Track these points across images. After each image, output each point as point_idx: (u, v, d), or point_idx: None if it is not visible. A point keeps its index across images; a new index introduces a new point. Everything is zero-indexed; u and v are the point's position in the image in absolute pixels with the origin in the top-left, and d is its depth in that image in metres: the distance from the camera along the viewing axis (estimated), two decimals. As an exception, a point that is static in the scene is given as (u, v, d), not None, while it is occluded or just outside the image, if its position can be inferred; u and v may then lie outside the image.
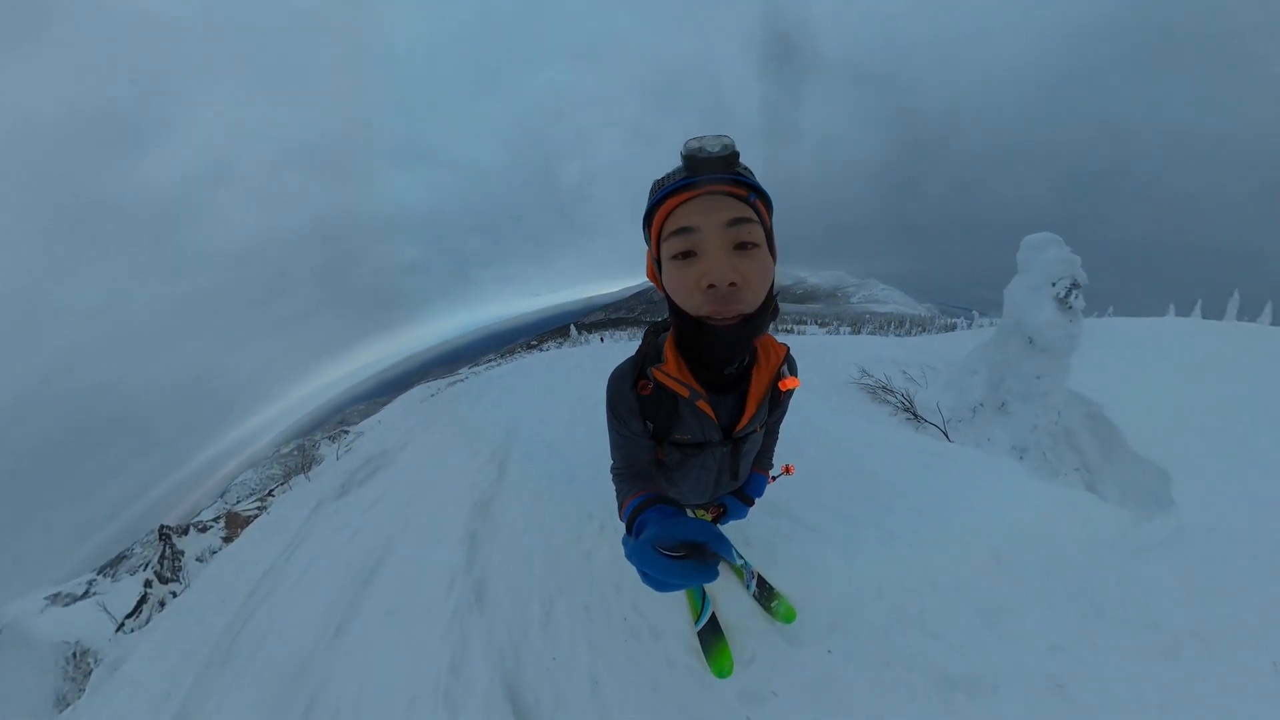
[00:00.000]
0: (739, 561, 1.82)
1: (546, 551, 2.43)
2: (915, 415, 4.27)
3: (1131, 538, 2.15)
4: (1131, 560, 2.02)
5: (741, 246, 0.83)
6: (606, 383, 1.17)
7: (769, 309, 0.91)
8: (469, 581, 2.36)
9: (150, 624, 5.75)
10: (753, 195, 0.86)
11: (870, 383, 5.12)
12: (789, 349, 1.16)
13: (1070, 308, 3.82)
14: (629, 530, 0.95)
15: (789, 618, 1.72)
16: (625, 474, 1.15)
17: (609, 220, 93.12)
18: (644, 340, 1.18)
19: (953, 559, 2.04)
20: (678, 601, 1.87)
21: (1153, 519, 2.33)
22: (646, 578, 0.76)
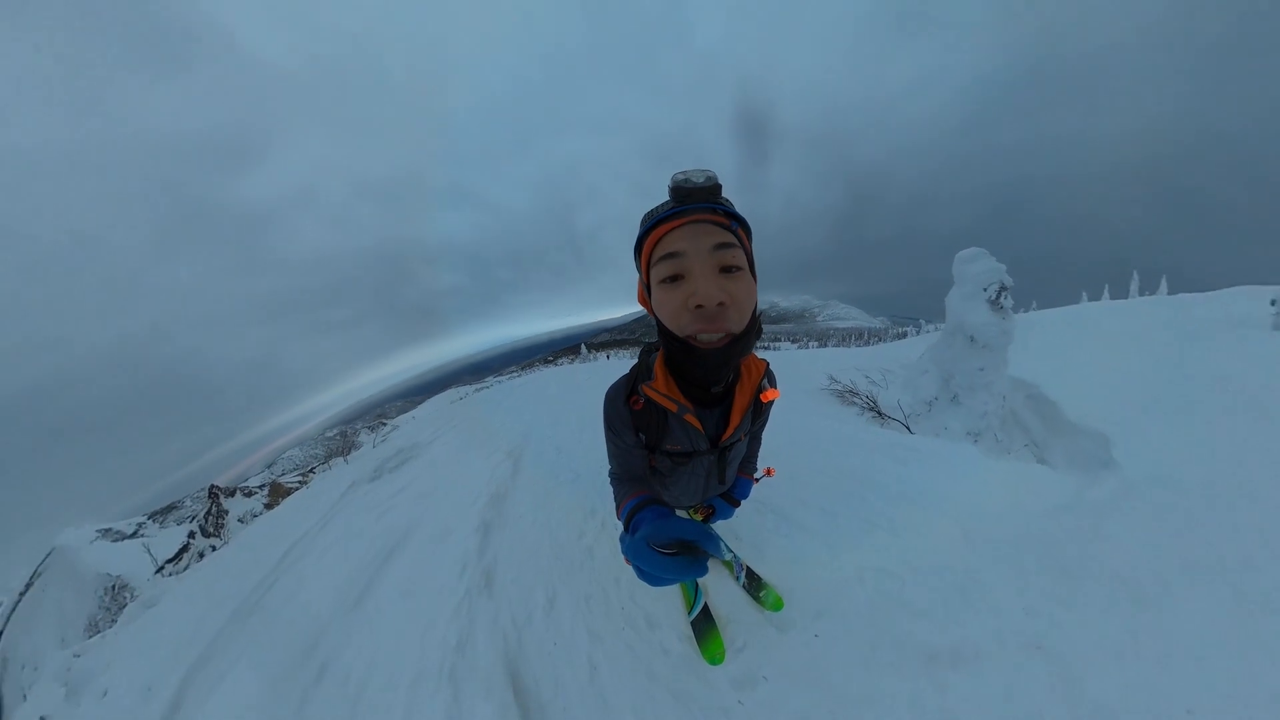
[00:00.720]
0: (728, 555, 1.73)
1: (552, 544, 2.31)
2: (879, 413, 4.20)
3: (1084, 499, 2.06)
4: (1087, 520, 1.93)
5: (727, 270, 0.80)
6: (604, 399, 1.12)
7: (754, 329, 0.86)
8: (480, 567, 2.24)
9: (188, 572, 5.60)
10: (734, 223, 0.84)
11: (838, 388, 5.07)
12: (768, 364, 1.11)
13: (1001, 308, 3.85)
14: (626, 529, 0.91)
15: (777, 606, 1.61)
16: (621, 478, 1.11)
17: (615, 258, 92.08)
18: (638, 359, 1.14)
19: (926, 540, 1.94)
20: (672, 593, 1.77)
21: (1100, 480, 2.24)
22: (641, 573, 0.73)
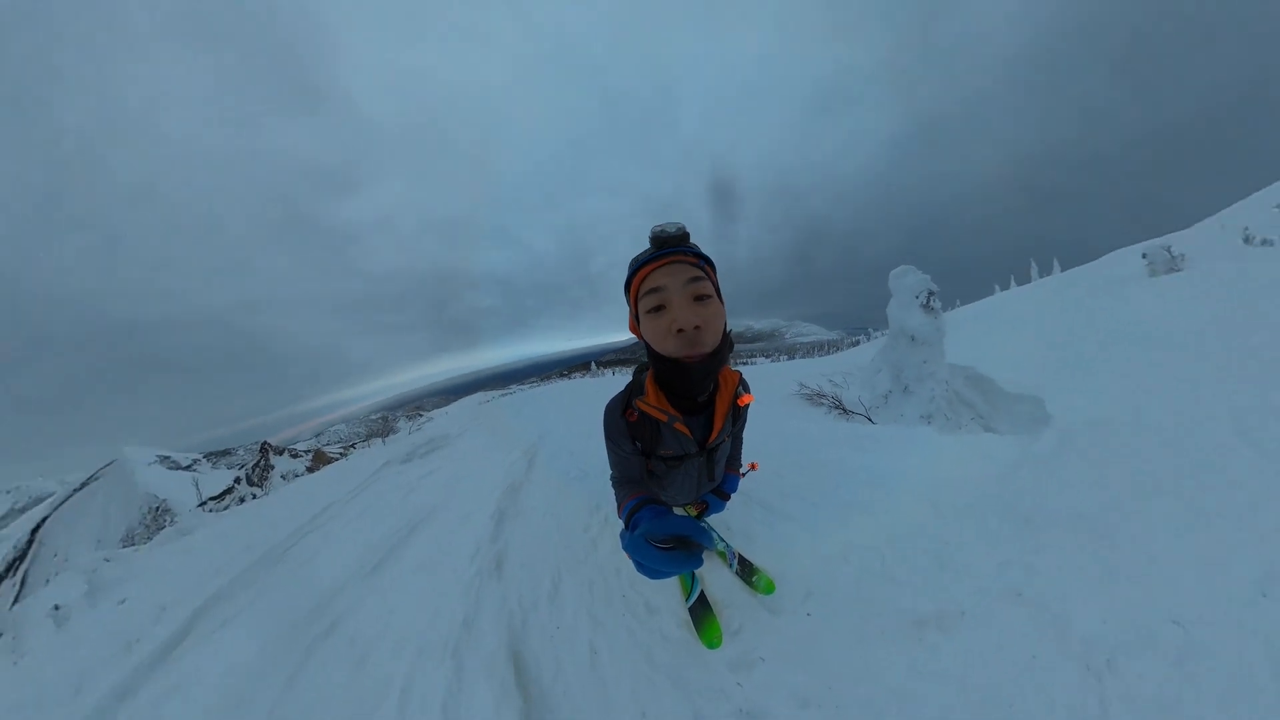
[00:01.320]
0: (721, 545, 1.62)
1: (560, 534, 2.17)
2: (844, 410, 4.16)
3: (1031, 454, 2.00)
4: (1038, 472, 1.86)
5: (700, 299, 0.85)
6: (604, 412, 1.12)
7: (726, 345, 0.91)
8: (492, 551, 2.09)
9: (227, 512, 5.23)
10: (702, 261, 0.90)
11: (807, 392, 5.04)
12: (742, 374, 1.13)
13: (932, 309, 3.94)
14: (627, 527, 0.88)
15: (769, 590, 1.48)
16: (621, 481, 1.10)
17: (620, 293, 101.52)
18: (632, 378, 1.14)
19: (898, 515, 1.84)
20: (670, 581, 1.63)
21: (1041, 435, 2.18)
22: (641, 567, 0.70)
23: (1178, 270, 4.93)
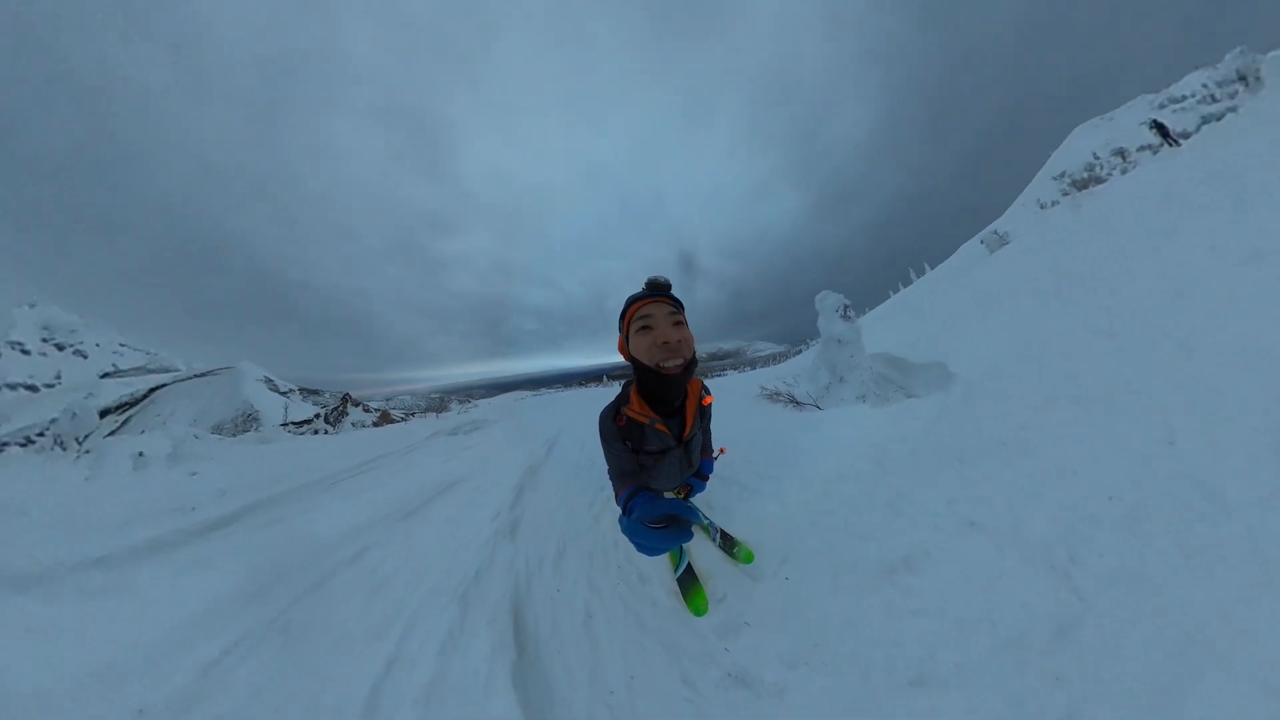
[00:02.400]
0: (705, 522, 1.44)
1: (567, 509, 1.99)
2: (797, 402, 4.07)
3: (948, 407, 1.90)
4: (956, 418, 1.77)
5: (677, 325, 0.97)
6: (598, 419, 1.14)
7: (693, 361, 1.02)
8: (510, 517, 1.92)
9: (303, 437, 4.96)
10: (678, 303, 1.03)
11: (767, 392, 4.96)
12: (704, 381, 1.21)
13: (849, 318, 4.02)
14: (624, 512, 0.82)
15: (749, 559, 1.30)
16: (617, 475, 1.06)
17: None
18: (620, 391, 1.18)
19: (851, 479, 1.70)
20: (661, 555, 1.43)
21: (952, 390, 2.11)
22: (639, 546, 0.67)
23: (1007, 244, 5.23)
